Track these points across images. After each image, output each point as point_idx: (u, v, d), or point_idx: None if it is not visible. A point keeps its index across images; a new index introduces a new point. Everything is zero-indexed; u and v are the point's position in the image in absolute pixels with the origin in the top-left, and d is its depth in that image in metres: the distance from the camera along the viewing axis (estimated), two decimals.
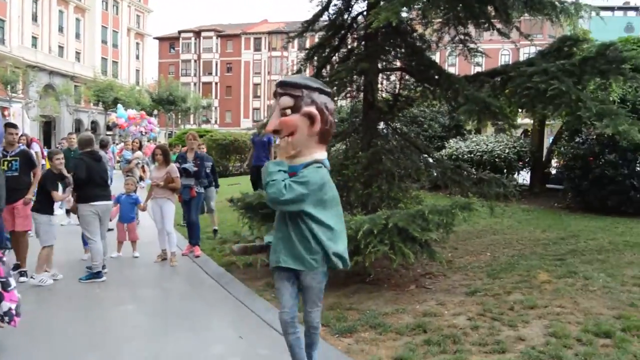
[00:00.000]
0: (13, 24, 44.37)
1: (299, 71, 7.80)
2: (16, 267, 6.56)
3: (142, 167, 14.39)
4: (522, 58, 8.56)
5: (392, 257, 5.40)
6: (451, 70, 7.38)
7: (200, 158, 8.36)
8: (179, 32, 76.52)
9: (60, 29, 53.70)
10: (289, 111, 3.17)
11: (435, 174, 7.58)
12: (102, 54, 59.47)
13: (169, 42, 77.44)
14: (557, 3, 6.52)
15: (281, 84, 3.29)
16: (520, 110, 10.56)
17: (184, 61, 75.98)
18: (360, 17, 7.38)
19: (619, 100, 9.55)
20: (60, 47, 53.45)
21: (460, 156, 13.44)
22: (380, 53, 7.14)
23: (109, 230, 9.40)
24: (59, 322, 5.22)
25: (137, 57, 68.32)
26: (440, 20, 7.44)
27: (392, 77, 8.07)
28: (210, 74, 75.47)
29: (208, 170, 9.17)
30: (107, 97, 49.72)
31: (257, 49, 74.90)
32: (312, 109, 3.14)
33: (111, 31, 61.46)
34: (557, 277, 6.01)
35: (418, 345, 4.31)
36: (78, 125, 52.00)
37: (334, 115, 3.27)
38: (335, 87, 7.07)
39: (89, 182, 6.74)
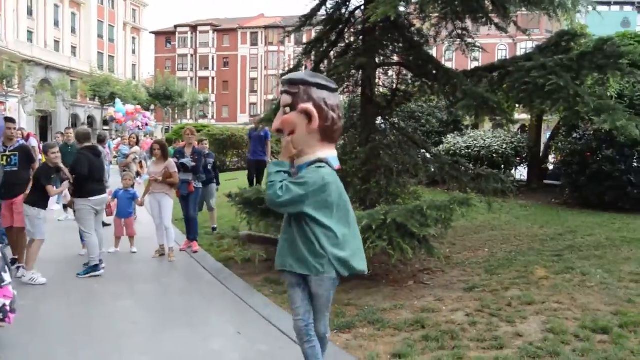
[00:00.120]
0: (8, 19, 44.16)
1: (297, 65, 7.78)
2: (13, 261, 6.54)
3: (140, 162, 14.36)
4: (519, 53, 8.55)
5: (390, 253, 5.41)
6: (448, 65, 7.35)
7: (199, 153, 8.34)
8: (175, 27, 76.31)
9: (56, 24, 53.49)
10: (288, 109, 3.07)
11: (433, 170, 7.57)
12: (98, 48, 59.27)
13: (165, 37, 77.19)
14: None
15: (282, 81, 3.19)
16: (517, 105, 10.59)
17: (181, 56, 75.78)
18: (358, 12, 7.35)
19: (616, 96, 9.55)
20: (56, 42, 53.27)
21: (457, 151, 13.44)
22: (378, 48, 7.12)
23: (107, 225, 9.43)
24: (57, 318, 5.21)
25: (134, 52, 68.13)
26: (437, 14, 7.42)
27: (390, 72, 8.05)
28: (206, 68, 75.30)
29: (210, 167, 9.17)
30: (103, 92, 49.56)
31: (254, 43, 74.76)
32: (308, 106, 3.00)
33: (107, 25, 61.26)
34: (554, 273, 6.03)
35: (416, 341, 4.32)
36: (75, 120, 51.83)
37: (337, 111, 3.08)
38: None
39: (89, 178, 6.73)
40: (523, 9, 7.00)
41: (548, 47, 6.79)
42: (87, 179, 6.74)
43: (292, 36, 8.53)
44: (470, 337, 4.36)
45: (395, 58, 7.63)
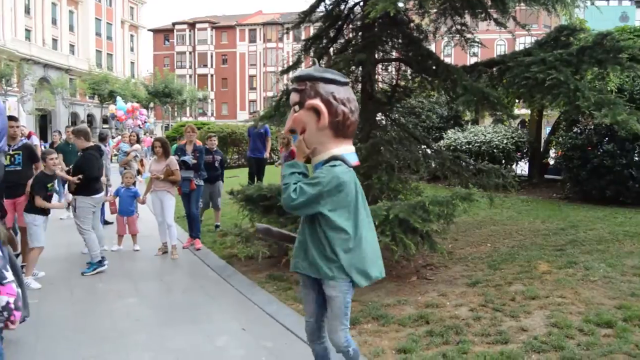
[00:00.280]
0: (6, 17, 44.01)
1: (297, 62, 7.78)
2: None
3: (141, 160, 14.34)
4: (518, 48, 8.53)
5: (393, 249, 5.42)
6: (447, 61, 7.35)
7: (200, 150, 8.34)
8: (173, 24, 76.16)
9: (54, 22, 53.37)
10: (297, 107, 2.95)
11: (434, 165, 7.58)
12: (96, 46, 59.14)
13: (163, 34, 77.05)
14: None
15: (292, 79, 3.06)
16: (517, 100, 10.59)
17: (179, 53, 75.69)
18: (357, 8, 7.35)
19: (616, 90, 9.54)
20: (54, 40, 53.17)
21: (458, 147, 13.44)
22: (377, 44, 7.12)
23: (109, 223, 9.46)
24: (61, 316, 5.23)
25: (132, 50, 68.01)
26: (436, 10, 7.42)
27: (390, 68, 8.05)
28: (205, 66, 75.21)
29: (217, 164, 9.17)
30: (102, 90, 49.50)
31: (252, 40, 74.66)
32: (314, 102, 2.85)
33: (105, 23, 61.12)
34: (557, 268, 6.04)
35: (421, 337, 4.33)
36: (74, 119, 51.78)
37: (349, 104, 2.90)
38: None
39: (95, 177, 6.78)
40: (522, 4, 7.01)
41: (547, 42, 6.80)
42: (94, 177, 6.76)
43: (291, 33, 8.53)
44: (475, 332, 4.38)
45: (395, 54, 7.63)
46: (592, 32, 7.03)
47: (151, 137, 25.19)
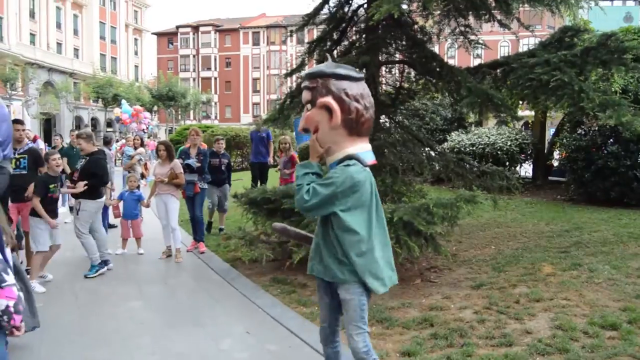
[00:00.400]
0: (10, 21, 44.24)
1: (300, 65, 7.78)
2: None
3: (145, 164, 14.38)
4: (521, 49, 8.52)
5: (397, 251, 5.40)
6: (451, 62, 7.34)
7: (204, 154, 8.35)
8: (177, 27, 76.41)
9: (58, 26, 53.58)
10: (309, 106, 2.85)
11: (437, 167, 7.57)
12: (100, 50, 59.34)
13: (167, 38, 77.33)
14: None
15: (303, 77, 2.95)
16: (521, 102, 10.56)
17: (183, 56, 75.88)
18: (360, 10, 7.35)
19: (620, 91, 9.52)
20: (59, 44, 53.36)
21: (462, 149, 13.42)
22: (381, 46, 7.12)
23: (113, 227, 9.48)
24: (66, 319, 5.24)
25: (136, 53, 68.25)
26: (440, 12, 7.41)
27: (394, 70, 8.05)
28: (209, 69, 75.39)
29: (224, 167, 9.18)
30: (106, 94, 49.61)
31: (256, 43, 74.79)
32: (326, 99, 2.74)
33: (109, 27, 61.34)
34: (562, 270, 6.02)
35: (425, 339, 4.32)
36: (78, 122, 52.00)
37: (363, 100, 2.78)
38: None
39: (106, 181, 6.86)
40: (525, 5, 7.00)
41: (551, 43, 6.79)
42: (105, 182, 6.84)
43: (295, 35, 8.54)
44: (479, 334, 4.37)
45: (399, 56, 7.63)
46: (596, 33, 7.00)
47: (154, 141, 25.22)
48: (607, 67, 6.29)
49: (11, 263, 2.88)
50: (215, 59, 75.51)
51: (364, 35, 7.26)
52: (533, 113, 14.16)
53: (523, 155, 13.93)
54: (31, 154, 6.85)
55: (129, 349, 4.51)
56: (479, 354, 3.99)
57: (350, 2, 7.42)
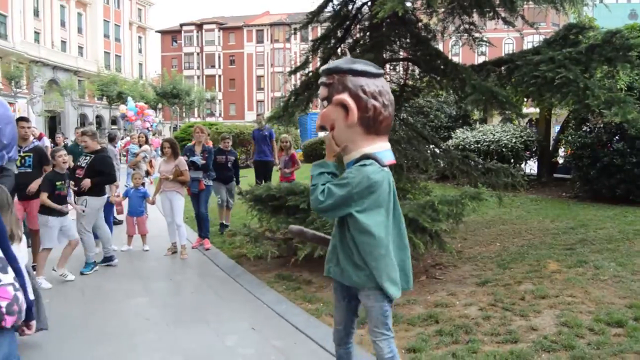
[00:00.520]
0: (15, 19, 44.30)
1: (304, 62, 7.79)
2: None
3: (150, 161, 14.40)
4: (526, 47, 8.50)
5: None
6: (455, 60, 7.33)
7: (209, 151, 8.37)
8: (181, 25, 76.45)
9: (63, 24, 53.67)
10: (325, 102, 2.75)
11: (442, 165, 7.56)
12: (104, 48, 59.43)
13: (171, 36, 77.38)
14: None
15: (320, 72, 2.83)
16: (526, 99, 10.54)
17: (187, 54, 75.95)
18: (365, 8, 7.35)
19: (626, 88, 9.50)
20: (63, 42, 53.47)
21: (467, 146, 13.41)
22: (385, 43, 7.11)
23: (119, 223, 9.52)
24: (72, 316, 5.26)
25: (140, 51, 68.31)
26: (444, 9, 7.40)
27: (398, 68, 8.04)
28: (213, 66, 75.44)
29: (230, 165, 9.19)
30: (111, 91, 49.74)
31: (260, 41, 74.80)
32: (342, 97, 2.63)
33: (113, 25, 61.41)
34: (567, 267, 6.02)
35: (430, 336, 4.33)
36: (83, 120, 52.13)
37: (381, 98, 2.66)
38: None
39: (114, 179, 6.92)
40: (530, 2, 6.99)
41: (556, 41, 6.77)
42: (114, 179, 6.89)
43: (299, 33, 8.54)
44: (484, 331, 4.37)
45: (403, 53, 7.62)
46: (601, 30, 6.99)
47: (159, 138, 25.28)
48: (612, 64, 6.27)
49: (21, 262, 2.87)
50: (219, 57, 75.54)
51: (368, 33, 7.25)
52: (538, 110, 14.14)
53: (528, 153, 13.92)
54: (36, 152, 6.85)
55: (135, 345, 4.53)
56: (484, 350, 3.99)
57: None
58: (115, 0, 62.09)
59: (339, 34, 7.54)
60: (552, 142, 14.31)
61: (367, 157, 2.67)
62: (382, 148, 2.73)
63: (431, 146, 7.65)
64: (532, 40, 26.17)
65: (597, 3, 6.99)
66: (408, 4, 6.74)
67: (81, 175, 6.85)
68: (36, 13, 49.27)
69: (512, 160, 13.14)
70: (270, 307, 5.36)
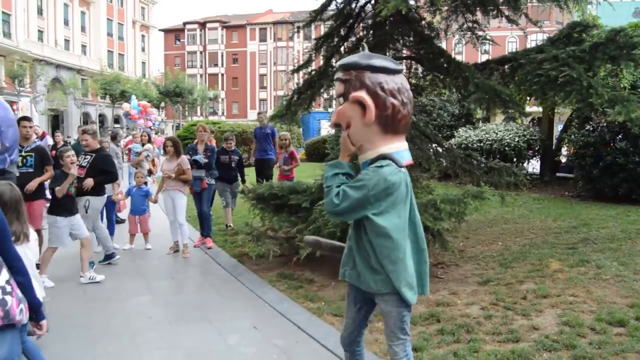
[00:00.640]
0: (19, 18, 44.45)
1: (308, 61, 7.78)
2: None
3: (152, 160, 14.40)
4: (529, 45, 8.49)
5: None
6: (458, 58, 7.31)
7: (211, 150, 8.37)
8: (184, 24, 76.52)
9: (66, 22, 53.81)
10: (341, 99, 2.63)
11: (445, 164, 7.56)
12: (107, 46, 59.58)
13: (174, 34, 77.45)
14: None
15: (337, 67, 2.71)
16: (528, 98, 10.52)
17: (190, 53, 75.99)
18: (368, 6, 7.34)
19: (629, 87, 9.47)
20: (66, 41, 53.61)
21: (469, 145, 13.38)
22: (388, 42, 7.10)
23: (121, 222, 9.53)
24: (74, 314, 5.27)
25: (143, 50, 68.44)
26: (448, 7, 7.39)
27: (401, 66, 8.03)
28: (216, 65, 75.47)
29: (234, 164, 9.19)
30: (114, 90, 49.82)
31: (263, 39, 74.80)
32: (359, 94, 2.51)
33: (116, 23, 61.56)
34: (569, 266, 6.01)
35: (432, 335, 4.33)
36: (86, 119, 52.28)
37: (400, 95, 2.54)
38: None
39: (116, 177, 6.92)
40: (534, 0, 6.97)
41: (560, 39, 6.76)
42: (116, 177, 6.91)
43: (301, 32, 8.53)
44: (486, 330, 4.36)
45: (406, 52, 7.61)
46: (605, 29, 6.96)
47: (162, 137, 25.29)
48: (616, 62, 6.26)
49: (26, 261, 2.86)
50: (222, 56, 75.56)
51: (371, 32, 7.25)
52: (541, 109, 14.10)
53: (531, 152, 13.89)
54: (38, 152, 6.84)
55: (137, 344, 4.54)
56: (486, 349, 3.99)
57: None
58: None
59: (342, 33, 7.53)
60: (554, 141, 14.28)
61: (383, 157, 2.56)
62: (399, 148, 2.62)
63: (434, 145, 7.64)
64: (535, 38, 26.14)
65: (601, 1, 6.99)
66: (411, 2, 6.73)
67: (82, 174, 6.77)
68: (40, 12, 49.42)
69: (514, 159, 13.12)
70: (272, 306, 5.36)
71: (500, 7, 6.98)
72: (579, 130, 11.04)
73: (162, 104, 57.66)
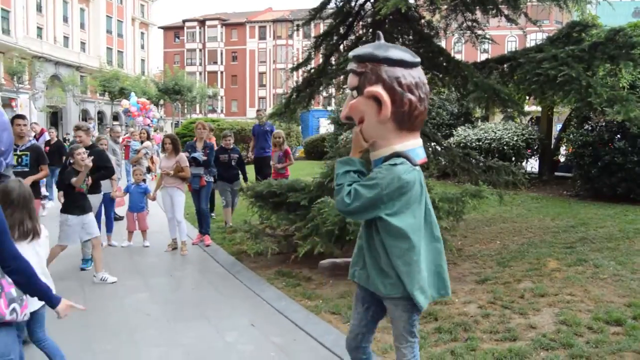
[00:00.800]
0: (18, 15, 44.35)
1: (307, 59, 7.78)
2: None
3: (151, 157, 14.38)
4: (529, 44, 8.50)
5: None
6: (457, 57, 7.31)
7: (210, 147, 8.37)
8: (184, 21, 76.45)
9: (65, 19, 53.72)
10: (354, 93, 2.49)
11: (443, 162, 7.56)
12: (107, 43, 59.49)
13: (173, 32, 77.38)
14: None
15: (349, 58, 2.55)
16: (527, 97, 10.51)
17: (189, 50, 75.93)
18: (367, 4, 7.34)
19: (628, 87, 9.47)
20: (66, 38, 53.52)
21: (468, 144, 13.38)
22: (388, 40, 7.09)
23: (119, 219, 9.53)
24: (72, 312, 5.26)
25: (142, 47, 68.36)
26: (447, 6, 7.39)
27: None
28: (215, 63, 75.42)
29: (234, 163, 9.18)
30: (113, 87, 49.76)
31: (262, 37, 74.77)
32: (375, 89, 2.37)
33: (116, 21, 61.46)
34: (567, 265, 6.01)
35: (429, 333, 4.34)
36: (85, 116, 52.21)
37: (418, 91, 2.42)
38: (343, 76, 7.07)
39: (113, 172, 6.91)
40: (533, 0, 6.97)
41: (559, 38, 6.76)
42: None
43: (301, 30, 8.53)
44: (483, 329, 4.37)
45: None
46: (605, 28, 6.96)
47: (160, 134, 25.26)
48: (615, 62, 6.26)
49: (36, 258, 2.85)
50: (221, 53, 75.50)
51: (370, 30, 7.25)
52: (540, 108, 14.10)
53: (529, 151, 13.88)
54: (33, 151, 6.82)
55: (135, 341, 4.54)
56: (483, 348, 4.00)
57: None
58: None
59: (342, 31, 7.53)
60: (553, 140, 14.28)
61: (397, 155, 2.45)
62: (414, 145, 2.51)
63: (432, 144, 7.64)
64: (535, 38, 26.13)
65: (600, 1, 6.98)
66: (411, 1, 6.73)
67: None
68: (39, 8, 49.32)
69: (513, 158, 13.12)
70: (270, 303, 5.37)
71: (500, 6, 6.98)
72: (578, 130, 11.04)
73: (161, 102, 57.59)
